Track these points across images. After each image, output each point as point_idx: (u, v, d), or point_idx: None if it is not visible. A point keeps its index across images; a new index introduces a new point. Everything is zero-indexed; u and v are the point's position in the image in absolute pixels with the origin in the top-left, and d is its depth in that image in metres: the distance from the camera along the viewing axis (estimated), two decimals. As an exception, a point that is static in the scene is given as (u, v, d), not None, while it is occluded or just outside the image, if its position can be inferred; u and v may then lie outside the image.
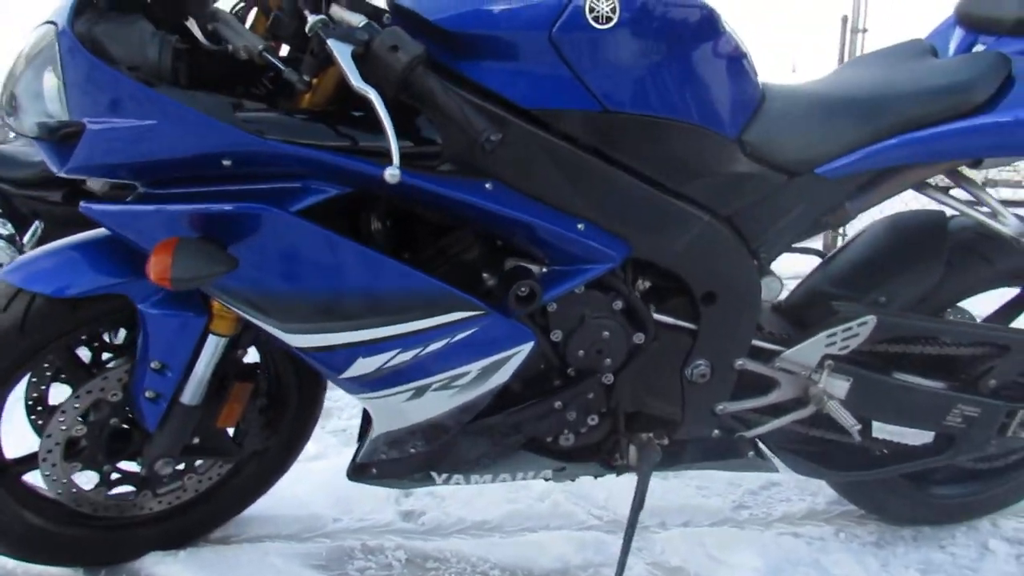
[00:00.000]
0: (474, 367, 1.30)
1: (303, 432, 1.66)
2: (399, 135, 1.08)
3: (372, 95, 1.07)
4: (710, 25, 1.29)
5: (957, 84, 1.41)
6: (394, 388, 1.31)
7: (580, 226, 1.28)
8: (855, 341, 1.51)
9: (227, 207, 1.15)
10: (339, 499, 1.84)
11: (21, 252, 3.42)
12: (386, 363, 1.27)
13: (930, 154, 1.41)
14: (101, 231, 1.32)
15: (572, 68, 1.20)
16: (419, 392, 1.32)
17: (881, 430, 1.69)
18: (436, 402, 1.35)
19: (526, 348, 1.30)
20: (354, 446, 1.53)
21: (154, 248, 1.12)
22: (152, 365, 1.35)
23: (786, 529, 1.80)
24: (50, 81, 1.09)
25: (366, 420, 1.52)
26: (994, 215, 1.47)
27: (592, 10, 1.18)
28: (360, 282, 1.21)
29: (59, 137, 1.15)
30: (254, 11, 1.36)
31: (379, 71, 1.09)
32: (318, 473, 1.90)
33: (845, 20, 4.02)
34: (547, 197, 1.26)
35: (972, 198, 1.52)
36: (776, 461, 1.63)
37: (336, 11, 1.16)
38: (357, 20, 1.13)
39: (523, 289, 1.24)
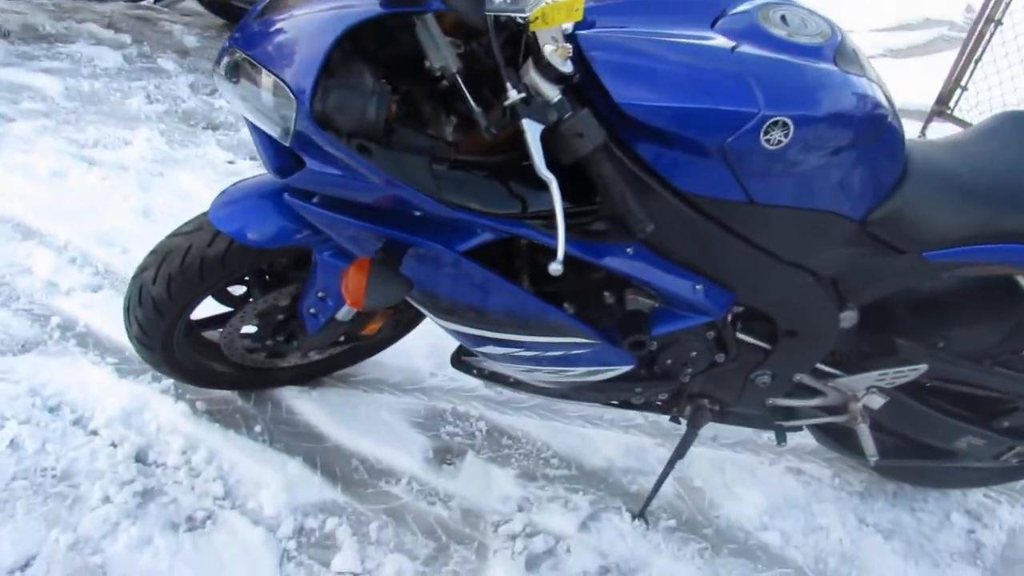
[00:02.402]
0: (580, 370, 1.58)
1: (419, 320, 1.98)
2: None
3: (553, 185, 1.21)
4: (875, 127, 1.36)
5: None
6: (512, 364, 1.60)
7: (699, 286, 1.47)
8: (901, 380, 1.75)
9: (412, 238, 1.35)
10: (434, 350, 2.22)
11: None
12: (511, 352, 1.55)
13: None
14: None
15: (733, 170, 1.31)
16: (531, 371, 1.62)
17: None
18: (543, 377, 1.64)
19: (626, 368, 1.56)
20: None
21: (349, 271, 1.34)
22: (318, 294, 1.63)
23: (793, 463, 2.17)
24: (284, 119, 1.22)
25: None
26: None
27: (767, 133, 1.26)
28: (505, 306, 1.44)
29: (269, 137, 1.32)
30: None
31: (561, 148, 1.23)
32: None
33: None
34: (677, 259, 1.44)
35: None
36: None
37: (532, 77, 1.24)
38: (551, 93, 1.22)
39: (637, 339, 1.47)
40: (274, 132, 1.27)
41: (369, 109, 1.22)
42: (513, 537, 1.80)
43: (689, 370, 1.66)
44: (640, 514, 1.91)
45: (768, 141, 1.27)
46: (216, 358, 1.85)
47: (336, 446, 1.92)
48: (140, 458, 1.78)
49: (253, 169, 2.94)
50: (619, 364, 1.56)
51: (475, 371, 1.82)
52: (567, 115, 1.21)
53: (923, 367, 1.72)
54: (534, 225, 1.33)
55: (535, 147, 1.20)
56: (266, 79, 1.23)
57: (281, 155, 1.32)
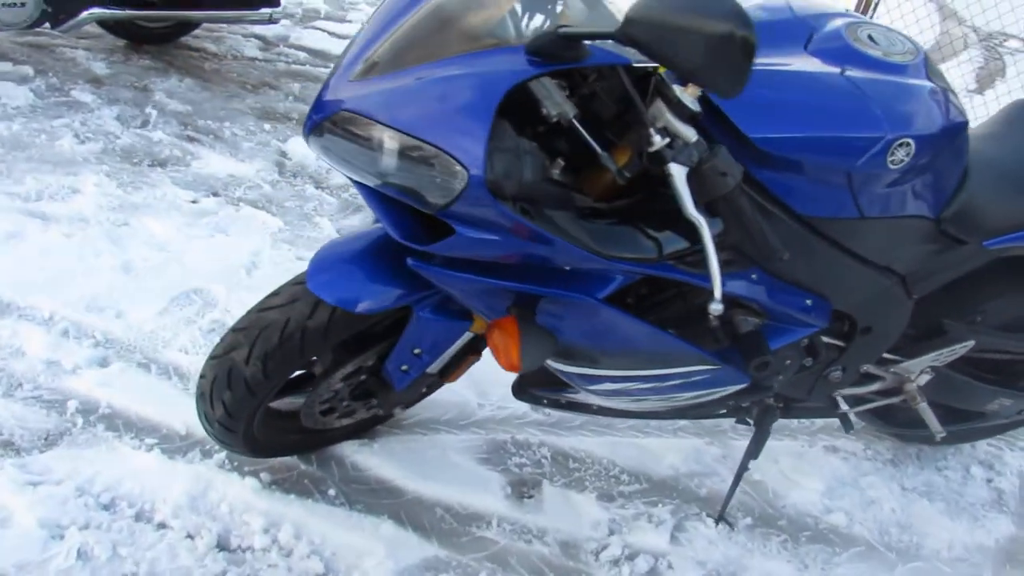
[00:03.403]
0: (692, 394, 1.59)
1: None
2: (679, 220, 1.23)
3: (704, 227, 1.21)
4: (959, 134, 1.45)
5: None
6: (622, 397, 1.60)
7: (808, 301, 1.51)
8: (953, 357, 1.87)
9: (550, 291, 1.31)
10: (471, 380, 2.16)
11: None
12: (627, 387, 1.54)
13: None
14: (384, 240, 1.44)
15: (852, 190, 1.36)
16: (640, 401, 1.62)
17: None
18: (651, 405, 1.65)
19: (740, 387, 1.59)
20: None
21: (493, 335, 1.29)
22: (414, 350, 1.56)
23: (828, 442, 2.29)
24: (440, 187, 1.14)
25: None
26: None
27: (892, 154, 1.31)
28: (639, 345, 1.44)
29: (392, 201, 1.24)
30: None
31: (703, 188, 1.22)
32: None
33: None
34: (790, 279, 1.47)
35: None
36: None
37: (669, 120, 1.22)
38: (689, 133, 1.21)
39: (762, 360, 1.49)
40: (410, 199, 1.20)
41: (526, 170, 1.18)
42: (616, 562, 1.81)
43: (780, 377, 1.70)
44: (721, 517, 1.95)
45: (892, 161, 1.32)
46: (287, 426, 1.74)
47: (416, 498, 1.86)
48: (223, 546, 1.65)
49: (219, 206, 2.75)
50: (735, 384, 1.58)
51: (545, 401, 1.80)
52: (706, 154, 1.20)
53: (971, 343, 1.85)
54: (680, 266, 1.32)
55: (684, 191, 1.19)
56: (398, 144, 1.15)
57: (408, 220, 1.26)
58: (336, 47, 4.29)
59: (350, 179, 1.28)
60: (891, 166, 1.32)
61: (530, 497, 1.93)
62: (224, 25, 4.20)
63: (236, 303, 2.31)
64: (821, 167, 1.32)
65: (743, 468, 1.93)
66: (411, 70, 1.19)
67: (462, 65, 1.16)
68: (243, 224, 2.70)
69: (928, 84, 1.40)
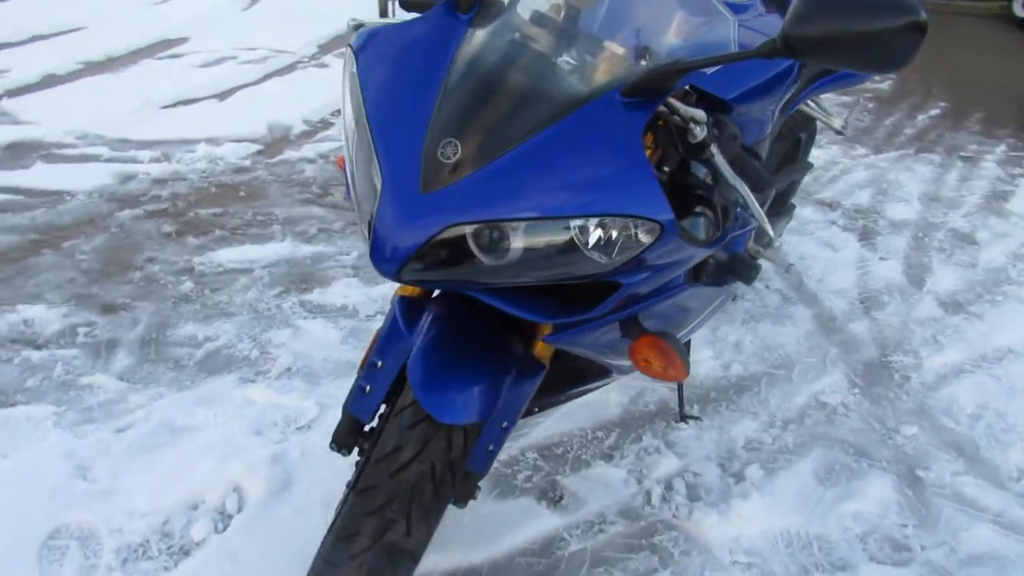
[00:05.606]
0: (709, 320, 1.80)
1: None
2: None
3: (744, 186, 1.40)
4: None
5: None
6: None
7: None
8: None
9: (665, 296, 1.39)
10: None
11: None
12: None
13: (830, 88, 2.22)
14: (448, 341, 1.37)
15: (774, 113, 1.65)
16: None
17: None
18: None
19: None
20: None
21: (641, 360, 1.33)
22: (502, 426, 1.49)
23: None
24: (620, 249, 1.14)
25: None
26: (828, 116, 2.39)
27: (800, 74, 1.62)
28: (699, 303, 1.59)
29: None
30: None
31: (724, 153, 1.41)
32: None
33: None
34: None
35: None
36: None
37: (686, 110, 1.37)
38: (701, 115, 1.38)
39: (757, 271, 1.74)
40: (571, 278, 1.18)
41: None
42: (665, 498, 1.99)
43: None
44: (683, 417, 2.23)
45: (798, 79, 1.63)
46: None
47: (493, 563, 1.80)
48: None
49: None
50: (730, 297, 1.83)
51: (536, 409, 1.87)
52: (720, 125, 1.39)
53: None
54: (734, 228, 1.50)
55: (723, 163, 1.36)
56: (553, 231, 1.13)
57: (545, 301, 1.24)
58: None
59: (463, 291, 1.20)
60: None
61: (561, 498, 1.99)
62: None
63: (115, 512, 1.85)
64: (764, 104, 1.58)
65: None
66: (511, 155, 1.13)
67: (574, 128, 1.15)
68: (13, 434, 2.08)
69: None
